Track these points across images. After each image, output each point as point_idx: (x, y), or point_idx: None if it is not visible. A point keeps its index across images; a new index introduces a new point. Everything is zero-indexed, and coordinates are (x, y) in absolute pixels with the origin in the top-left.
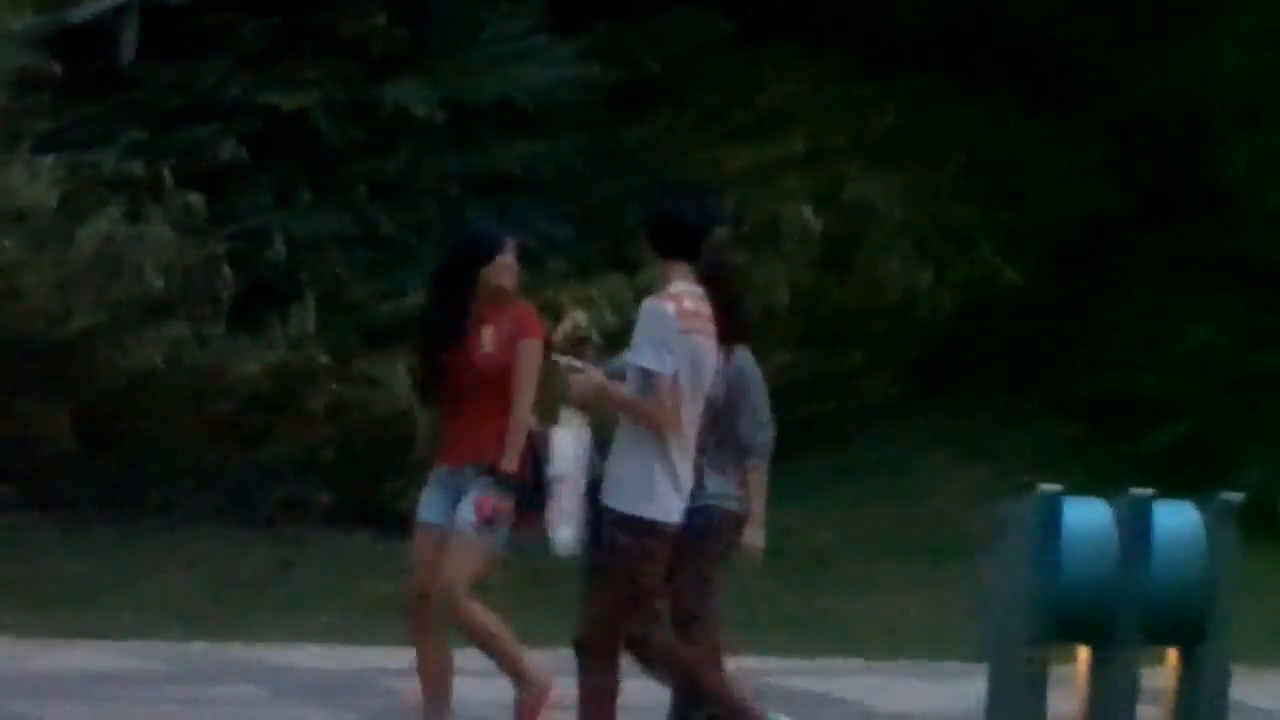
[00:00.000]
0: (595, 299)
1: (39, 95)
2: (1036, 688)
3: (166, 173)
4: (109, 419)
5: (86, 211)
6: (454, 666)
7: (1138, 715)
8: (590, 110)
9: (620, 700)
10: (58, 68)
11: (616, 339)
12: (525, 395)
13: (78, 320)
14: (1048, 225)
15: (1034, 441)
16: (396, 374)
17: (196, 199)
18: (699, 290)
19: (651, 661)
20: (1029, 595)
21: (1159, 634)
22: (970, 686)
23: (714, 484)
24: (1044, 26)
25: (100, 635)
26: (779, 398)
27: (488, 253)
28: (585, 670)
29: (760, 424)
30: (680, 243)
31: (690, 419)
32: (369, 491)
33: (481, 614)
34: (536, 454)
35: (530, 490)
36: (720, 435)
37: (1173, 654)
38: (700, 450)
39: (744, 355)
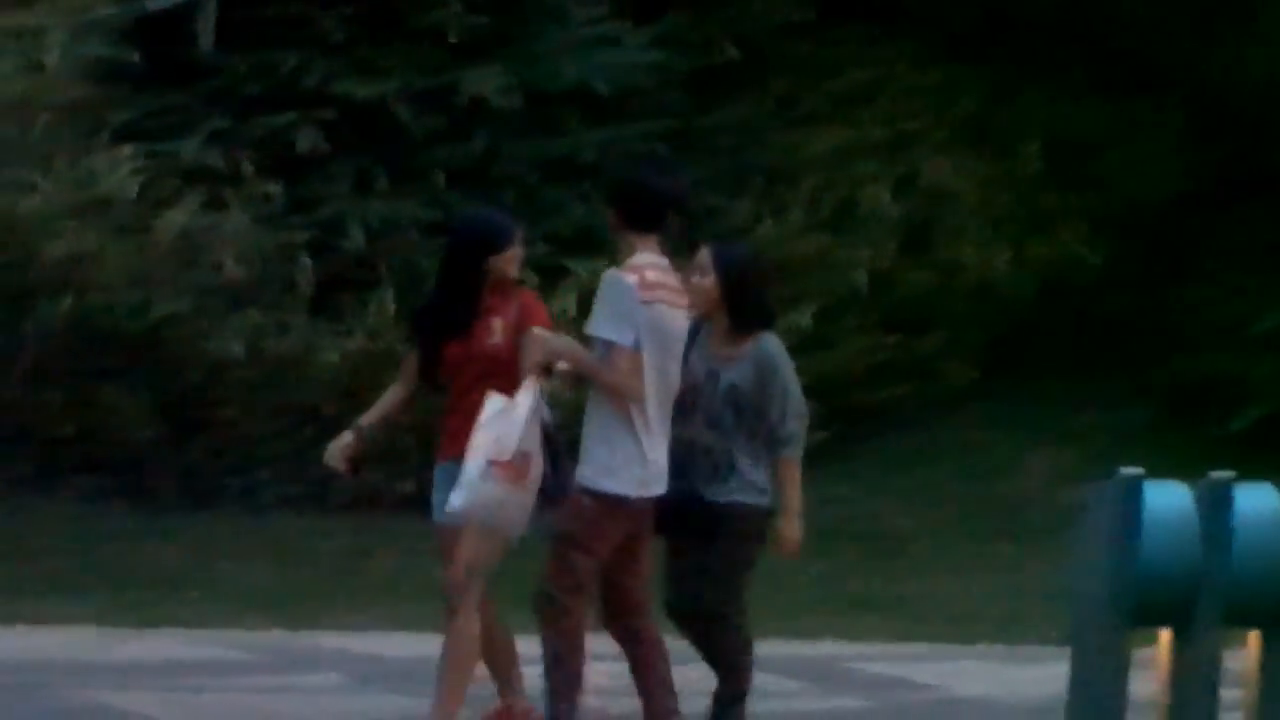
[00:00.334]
0: None
1: (118, 85)
2: (1118, 671)
3: (245, 162)
4: (190, 408)
5: (166, 201)
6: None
7: (1220, 698)
8: (667, 96)
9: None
10: (137, 57)
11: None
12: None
13: (158, 309)
14: (1126, 207)
15: (1113, 424)
16: None
17: (275, 188)
18: (664, 262)
19: (548, 622)
20: (1110, 579)
21: (1240, 616)
22: (1049, 670)
23: (738, 479)
24: (1123, 8)
25: (182, 624)
26: (857, 382)
27: (501, 243)
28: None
29: (789, 412)
30: (647, 214)
31: (660, 392)
32: None
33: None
34: (553, 444)
35: (549, 479)
36: (751, 426)
37: (1254, 636)
38: (728, 441)
39: (769, 341)
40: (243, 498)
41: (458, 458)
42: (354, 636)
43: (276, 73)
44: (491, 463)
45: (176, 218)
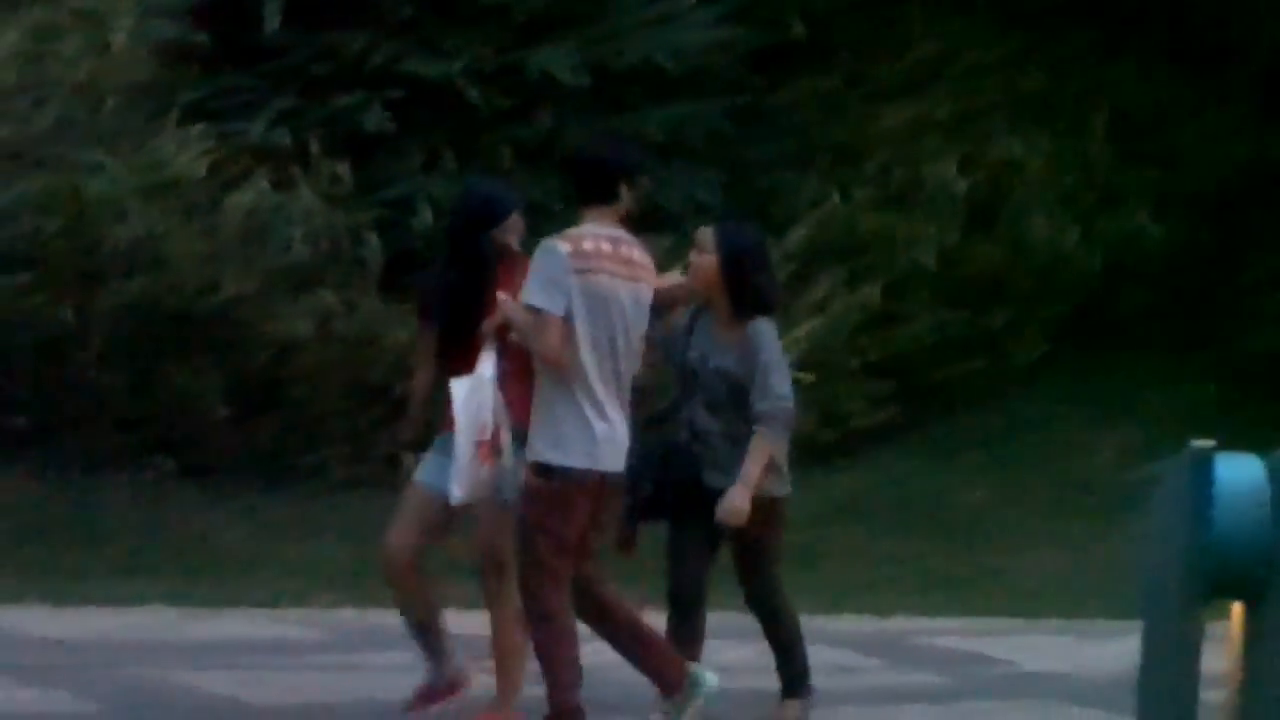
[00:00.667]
0: None
1: (186, 66)
2: (1191, 645)
3: (313, 141)
4: (260, 387)
5: (234, 181)
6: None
7: None
8: (734, 73)
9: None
10: (204, 38)
11: None
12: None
13: (227, 289)
14: (1196, 182)
15: (1184, 399)
16: None
17: (343, 167)
18: (611, 232)
19: (535, 627)
20: (1182, 553)
21: None
22: (1121, 645)
23: (740, 464)
24: None
25: (255, 603)
26: (926, 358)
27: (499, 215)
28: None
29: (767, 393)
30: (596, 186)
31: (604, 364)
32: None
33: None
34: None
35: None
36: (748, 411)
37: None
38: (729, 426)
39: (758, 326)
40: (312, 477)
41: None
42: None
43: (343, 52)
44: (478, 443)
45: (244, 198)
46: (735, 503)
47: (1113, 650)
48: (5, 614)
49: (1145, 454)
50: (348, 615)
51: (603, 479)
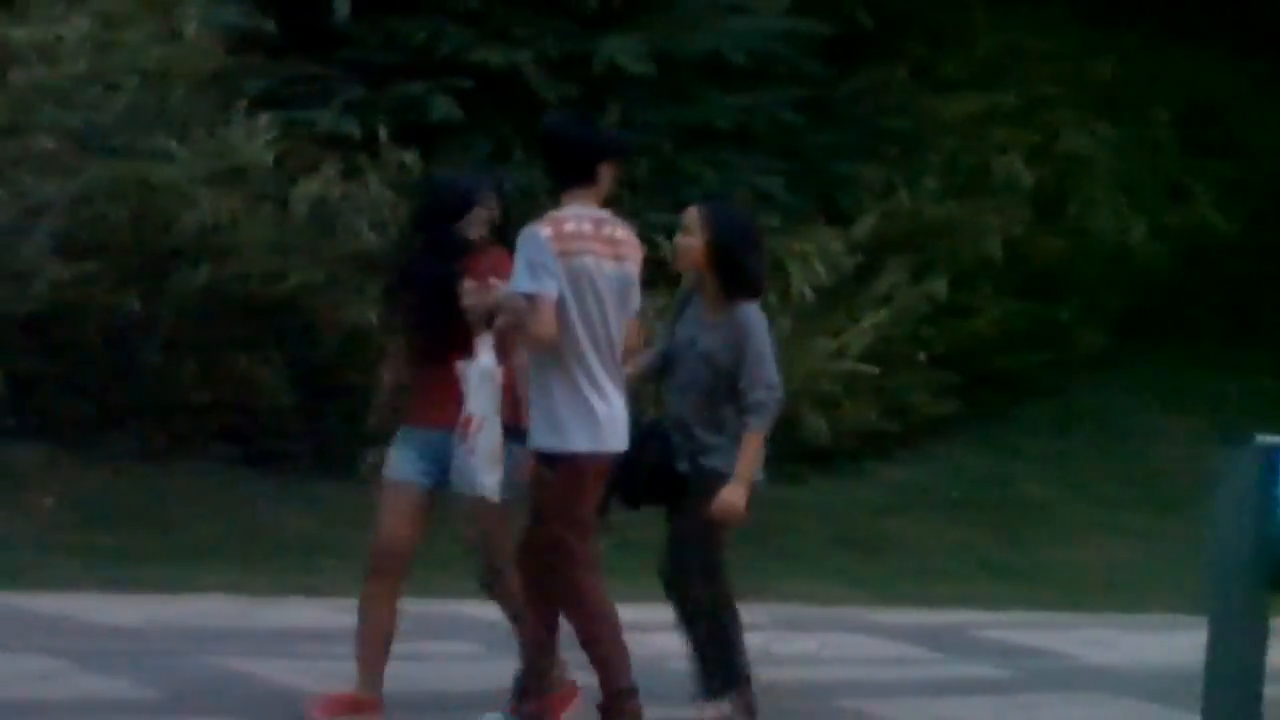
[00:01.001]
0: (807, 252)
1: (254, 54)
2: (1257, 637)
3: (381, 130)
4: (325, 376)
5: (302, 169)
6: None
7: None
8: (801, 63)
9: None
10: (272, 26)
11: (827, 293)
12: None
13: (294, 278)
14: (1262, 173)
15: (1249, 391)
16: None
17: (411, 156)
18: (594, 213)
19: (571, 611)
20: (1247, 546)
21: None
22: (1185, 639)
23: (716, 447)
24: None
25: (318, 592)
26: (992, 349)
27: (460, 207)
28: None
29: (757, 382)
30: (574, 168)
31: (597, 344)
32: None
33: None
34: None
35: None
36: (727, 395)
37: None
38: (708, 409)
39: (746, 311)
40: (378, 466)
41: (440, 425)
42: (485, 604)
43: (411, 41)
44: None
45: (313, 186)
46: (733, 500)
47: (1178, 643)
48: (68, 601)
49: (1210, 445)
50: (413, 605)
51: (609, 459)
